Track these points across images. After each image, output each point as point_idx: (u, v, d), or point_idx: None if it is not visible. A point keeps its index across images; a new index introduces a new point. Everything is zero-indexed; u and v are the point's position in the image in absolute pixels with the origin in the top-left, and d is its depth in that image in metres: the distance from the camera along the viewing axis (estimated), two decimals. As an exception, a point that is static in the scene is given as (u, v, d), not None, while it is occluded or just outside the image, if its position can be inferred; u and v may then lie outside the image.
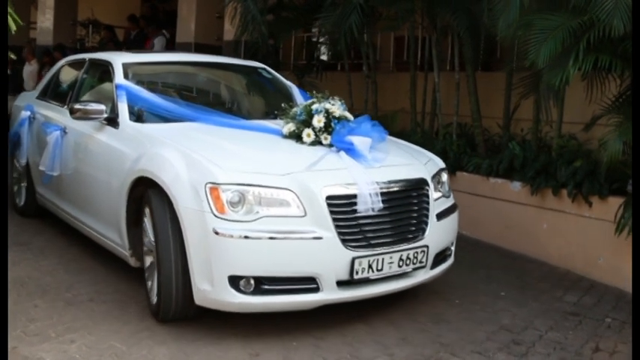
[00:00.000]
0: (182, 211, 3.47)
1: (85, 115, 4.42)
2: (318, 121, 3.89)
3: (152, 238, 3.75)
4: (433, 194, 3.94)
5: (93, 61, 5.35)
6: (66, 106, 5.22)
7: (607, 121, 4.52)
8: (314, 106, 3.96)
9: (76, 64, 5.67)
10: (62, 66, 5.97)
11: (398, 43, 8.65)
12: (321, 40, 8.57)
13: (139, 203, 3.94)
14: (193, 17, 9.77)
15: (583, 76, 4.53)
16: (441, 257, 4.04)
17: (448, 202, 4.20)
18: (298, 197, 3.45)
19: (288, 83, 5.35)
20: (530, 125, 5.76)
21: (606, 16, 4.01)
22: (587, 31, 4.19)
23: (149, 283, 3.83)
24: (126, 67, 4.77)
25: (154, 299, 3.72)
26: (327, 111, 3.93)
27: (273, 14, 7.98)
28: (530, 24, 4.48)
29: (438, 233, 3.93)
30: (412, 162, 4.06)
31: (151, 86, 4.72)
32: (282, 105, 4.25)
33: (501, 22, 4.62)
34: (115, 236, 4.24)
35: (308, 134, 3.88)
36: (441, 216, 3.98)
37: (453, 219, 4.16)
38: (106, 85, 4.89)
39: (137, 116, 4.37)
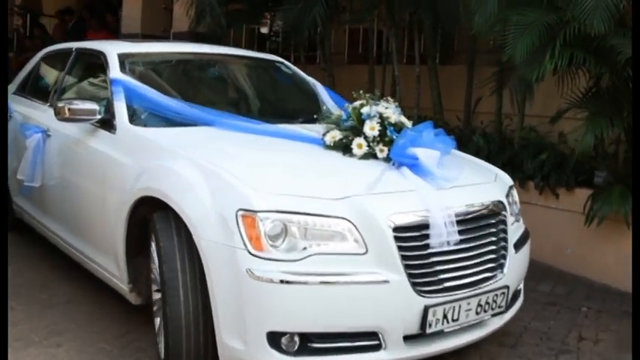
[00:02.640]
0: (205, 247, 2.67)
1: (74, 116, 3.57)
2: (371, 128, 3.09)
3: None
4: (510, 219, 3.19)
5: (81, 52, 4.49)
6: (49, 104, 4.40)
7: (574, 115, 4.65)
8: (364, 110, 3.16)
9: (61, 55, 4.80)
10: (44, 56, 5.11)
11: (351, 35, 8.59)
12: (273, 31, 8.42)
13: (143, 227, 3.15)
14: (140, 8, 9.51)
15: (554, 72, 4.52)
16: (512, 296, 3.28)
17: (521, 228, 3.45)
18: (357, 228, 2.65)
19: (311, 80, 4.53)
20: (490, 118, 5.85)
21: (587, 16, 4.00)
22: (564, 28, 4.20)
23: (157, 323, 3.06)
24: (122, 58, 3.93)
25: (162, 351, 2.92)
26: (380, 116, 3.14)
27: (226, 6, 7.69)
28: (507, 19, 4.48)
29: (516, 268, 3.19)
30: (485, 180, 3.30)
31: (154, 81, 3.88)
32: (323, 107, 3.45)
33: (478, 17, 4.56)
34: (111, 266, 3.43)
35: (359, 145, 3.07)
36: (517, 246, 3.23)
37: (527, 248, 3.41)
38: (99, 80, 4.09)
39: (138, 118, 3.55)
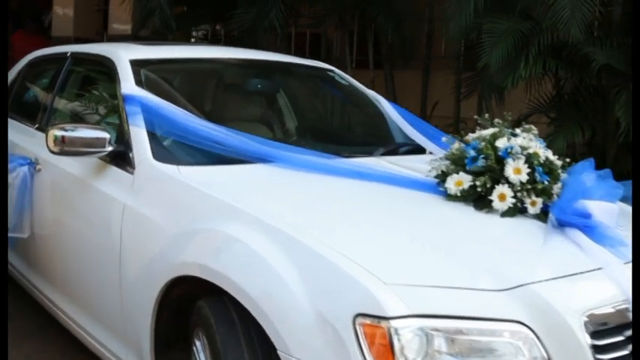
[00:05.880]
0: (299, 370, 1.71)
1: (73, 148, 2.57)
2: (516, 170, 2.14)
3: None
4: None
5: (79, 58, 3.50)
6: (37, 126, 3.42)
7: (537, 119, 4.70)
8: (501, 143, 2.21)
9: (52, 61, 3.81)
10: (30, 63, 4.10)
11: (296, 39, 8.64)
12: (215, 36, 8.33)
13: (180, 310, 2.19)
14: (72, 10, 9.34)
15: (524, 78, 4.61)
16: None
17: None
18: (538, 337, 1.71)
19: (372, 93, 3.56)
20: (446, 122, 5.84)
21: (563, 25, 4.13)
22: (538, 36, 4.37)
23: None
24: (137, 66, 2.94)
25: None
26: (526, 152, 2.20)
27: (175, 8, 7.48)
28: (481, 27, 4.60)
29: None
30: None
31: (180, 100, 2.91)
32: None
33: (453, 25, 4.70)
34: (130, 359, 2.45)
35: (501, 195, 2.12)
36: None
37: None
38: (105, 97, 3.11)
39: (165, 151, 2.57)
